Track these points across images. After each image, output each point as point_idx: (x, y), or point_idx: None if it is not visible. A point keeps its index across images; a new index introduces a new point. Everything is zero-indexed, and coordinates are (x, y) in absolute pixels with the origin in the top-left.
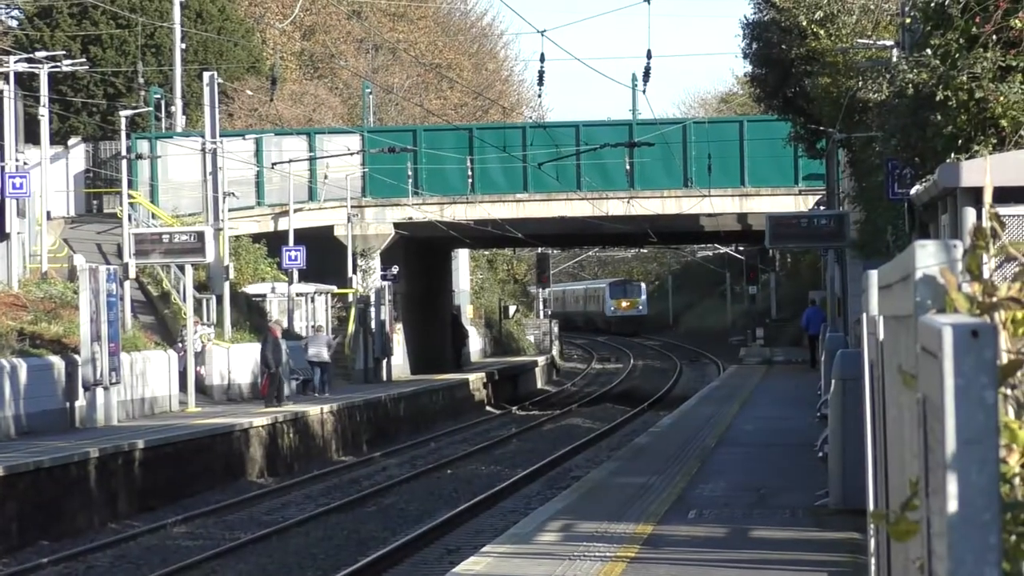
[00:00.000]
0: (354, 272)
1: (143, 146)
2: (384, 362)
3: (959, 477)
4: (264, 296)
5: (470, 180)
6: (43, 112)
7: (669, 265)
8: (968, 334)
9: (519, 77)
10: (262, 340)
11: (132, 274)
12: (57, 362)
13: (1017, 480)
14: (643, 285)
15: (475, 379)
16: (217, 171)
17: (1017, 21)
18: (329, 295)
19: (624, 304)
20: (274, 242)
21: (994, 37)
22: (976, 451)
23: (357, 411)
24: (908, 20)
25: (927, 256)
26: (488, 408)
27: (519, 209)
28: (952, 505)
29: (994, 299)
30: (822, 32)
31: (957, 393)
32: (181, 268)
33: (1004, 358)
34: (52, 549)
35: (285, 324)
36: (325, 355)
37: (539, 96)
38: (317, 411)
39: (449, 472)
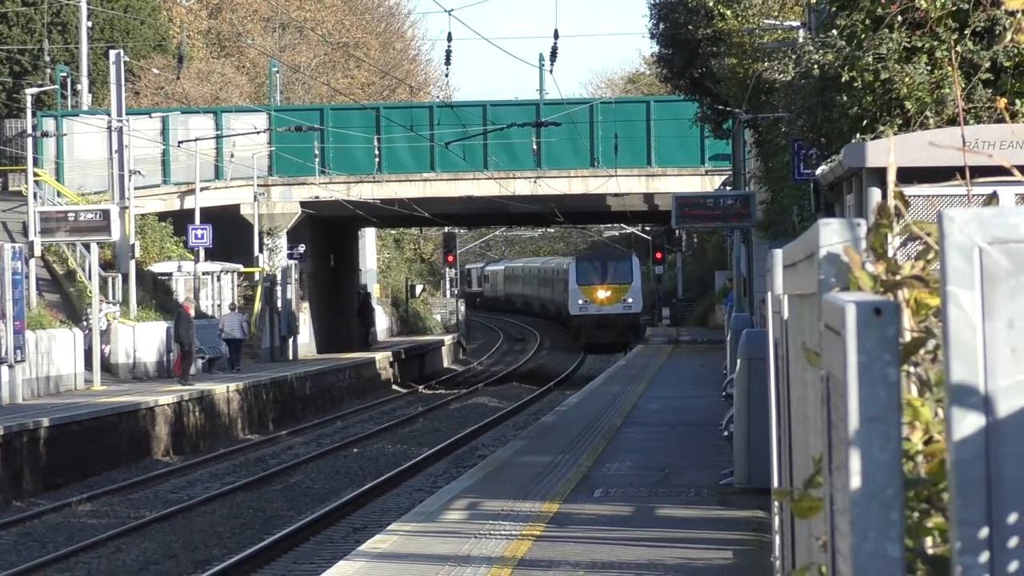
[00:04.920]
0: (260, 251)
1: (49, 124)
2: (291, 341)
3: (862, 454)
4: (170, 275)
5: (377, 159)
6: None
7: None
8: (871, 312)
9: (426, 56)
10: (175, 317)
11: (38, 252)
12: None
13: (920, 457)
14: (634, 259)
15: (381, 358)
16: (123, 149)
17: (922, 2)
18: (236, 274)
19: (601, 295)
20: (180, 221)
21: (900, 18)
22: (879, 428)
23: (263, 390)
24: (814, 1)
25: (831, 234)
26: (395, 387)
27: (426, 188)
28: (855, 482)
29: (897, 277)
30: (728, 13)
31: (860, 370)
32: (87, 246)
33: (907, 336)
34: None
35: (194, 302)
36: (238, 333)
37: (446, 76)
38: (223, 389)
39: (355, 451)
